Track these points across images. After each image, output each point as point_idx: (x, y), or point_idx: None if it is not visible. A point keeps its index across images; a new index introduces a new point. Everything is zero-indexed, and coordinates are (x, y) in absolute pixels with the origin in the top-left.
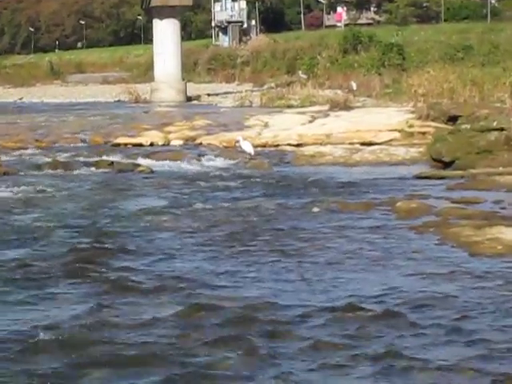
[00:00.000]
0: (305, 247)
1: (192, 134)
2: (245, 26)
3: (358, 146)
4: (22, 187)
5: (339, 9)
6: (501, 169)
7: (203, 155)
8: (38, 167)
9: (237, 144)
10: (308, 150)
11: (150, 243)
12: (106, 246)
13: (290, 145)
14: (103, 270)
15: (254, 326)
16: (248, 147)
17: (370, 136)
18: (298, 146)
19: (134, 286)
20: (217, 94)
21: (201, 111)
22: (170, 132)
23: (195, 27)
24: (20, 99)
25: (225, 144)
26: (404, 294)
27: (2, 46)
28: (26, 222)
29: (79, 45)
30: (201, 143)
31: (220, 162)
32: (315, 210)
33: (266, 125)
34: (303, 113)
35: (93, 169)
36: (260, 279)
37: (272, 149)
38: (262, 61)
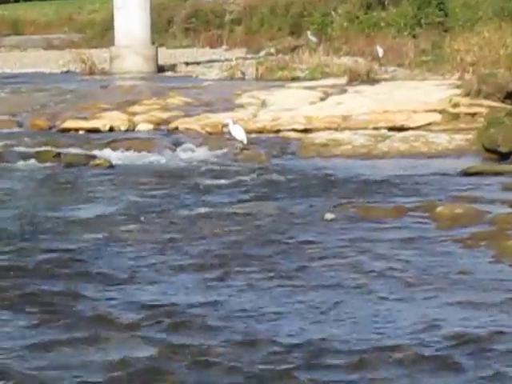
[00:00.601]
0: (315, 267)
1: (165, 115)
2: None
3: (385, 131)
4: None
5: None
6: None
7: (180, 144)
8: None
9: (225, 129)
10: (319, 138)
11: (108, 263)
12: (48, 266)
13: (294, 130)
14: (45, 298)
15: (250, 374)
16: (239, 133)
17: (401, 119)
18: (305, 131)
19: (85, 319)
20: (198, 63)
21: (177, 85)
22: (135, 113)
23: None
24: None
25: (208, 129)
26: (448, 330)
27: None
28: None
29: None
30: (177, 128)
31: (202, 154)
32: (328, 217)
33: (264, 104)
34: (313, 88)
35: (32, 162)
36: (258, 311)
37: (271, 135)
38: (257, 18)
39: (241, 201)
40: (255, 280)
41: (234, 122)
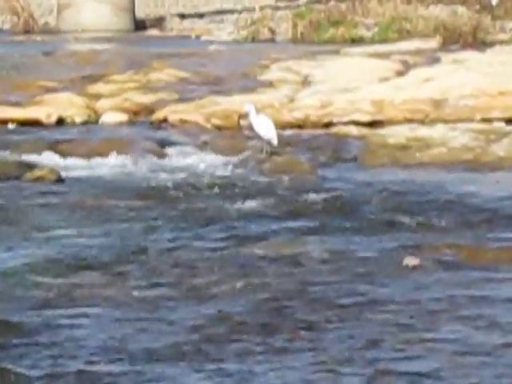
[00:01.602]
0: (391, 340)
1: (147, 100)
2: None
3: (501, 125)
4: None
5: None
6: None
7: (171, 146)
8: None
9: (243, 122)
10: (394, 135)
11: (53, 337)
12: None
13: (355, 123)
14: None
15: None
16: (266, 128)
17: None
18: (372, 125)
19: None
20: (200, 15)
21: (166, 51)
22: (99, 96)
23: None
24: None
25: (217, 122)
26: None
27: None
28: None
29: None
30: (165, 120)
31: (207, 161)
32: (410, 262)
33: (306, 81)
34: (385, 55)
35: None
36: None
37: (318, 131)
38: None
39: (270, 236)
40: (296, 370)
41: (258, 111)
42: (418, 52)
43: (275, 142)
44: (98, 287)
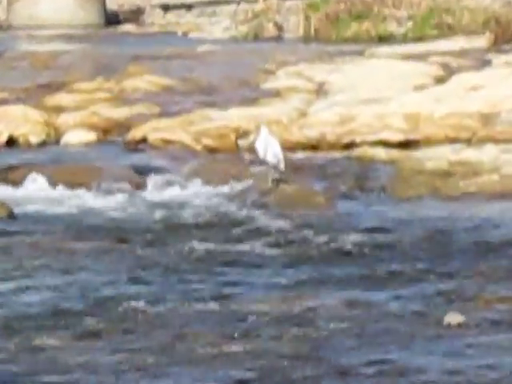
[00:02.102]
0: None
1: (121, 114)
2: None
3: None
4: None
5: None
6: None
7: (151, 174)
8: None
9: (242, 142)
10: (434, 158)
11: None
12: None
13: (384, 143)
14: None
15: None
16: (272, 151)
17: None
18: (405, 145)
19: None
20: (188, 6)
21: (145, 52)
22: (60, 109)
23: None
24: None
25: (209, 143)
26: None
27: None
28: None
29: None
30: (144, 140)
31: (197, 194)
32: (453, 320)
33: (322, 90)
34: (420, 57)
35: None
36: None
37: (336, 154)
38: None
39: (274, 288)
40: None
41: (262, 129)
42: (462, 53)
43: (282, 166)
44: (61, 352)
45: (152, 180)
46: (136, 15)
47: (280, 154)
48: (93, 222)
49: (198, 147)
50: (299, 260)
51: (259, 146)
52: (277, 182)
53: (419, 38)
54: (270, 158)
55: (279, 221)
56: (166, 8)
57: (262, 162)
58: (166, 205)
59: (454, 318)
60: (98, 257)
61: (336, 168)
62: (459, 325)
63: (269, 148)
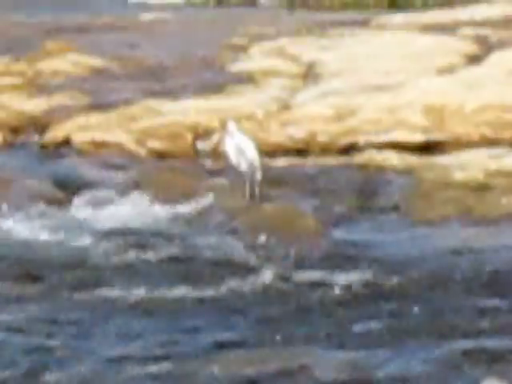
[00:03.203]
0: None
1: (35, 107)
2: None
3: None
4: None
5: None
6: None
7: (74, 189)
8: None
9: (203, 145)
10: (464, 166)
11: None
12: None
13: (396, 146)
14: None
15: None
16: (246, 156)
17: None
18: (424, 150)
19: None
20: None
21: (68, 22)
22: None
23: None
24: None
25: (157, 145)
26: None
27: None
28: None
29: None
30: (67, 142)
31: (138, 214)
32: None
33: (310, 72)
34: (447, 28)
35: None
36: None
37: (332, 160)
38: None
39: (246, 347)
40: None
41: (230, 127)
42: (505, 22)
43: (258, 177)
44: None
45: (78, 197)
46: None
47: (256, 161)
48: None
49: (142, 151)
50: (278, 309)
51: (230, 149)
52: (252, 197)
53: (445, 2)
54: (243, 166)
55: (251, 254)
56: None
57: (229, 172)
58: (93, 231)
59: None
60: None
61: (331, 180)
62: None
63: (237, 151)
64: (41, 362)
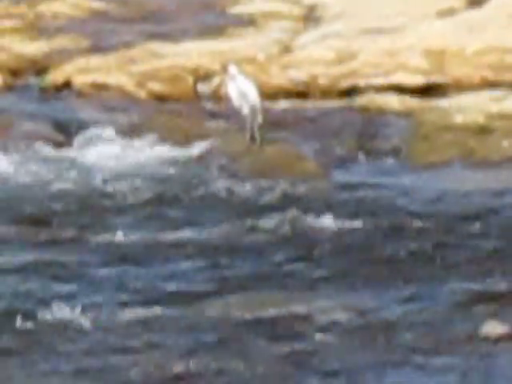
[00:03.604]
0: None
1: (35, 49)
2: None
3: None
4: None
5: None
6: None
7: (75, 130)
8: None
9: (201, 87)
10: (465, 109)
11: None
12: None
13: (397, 88)
14: None
15: None
16: (247, 97)
17: None
18: (426, 92)
19: None
20: None
21: None
22: None
23: None
24: None
25: (157, 88)
26: None
27: None
28: None
29: None
30: (68, 84)
31: (140, 155)
32: (493, 330)
33: (311, 15)
34: None
35: None
36: None
37: (333, 103)
38: None
39: (250, 287)
40: None
41: (231, 70)
42: None
43: (260, 119)
44: None
45: (78, 138)
46: None
47: (257, 103)
48: None
49: (142, 94)
50: (279, 250)
51: (232, 92)
52: (253, 140)
53: None
54: (245, 109)
55: (254, 195)
56: None
57: (231, 115)
58: (97, 172)
59: (493, 327)
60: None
61: (331, 122)
62: (500, 337)
63: (239, 93)
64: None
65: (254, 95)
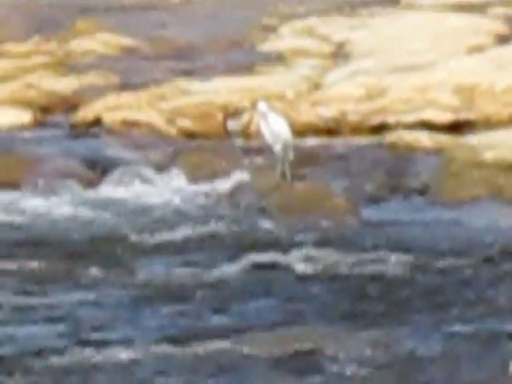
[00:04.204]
0: None
1: (65, 86)
2: None
3: None
4: None
5: None
6: None
7: (105, 167)
8: None
9: (233, 125)
10: (495, 145)
11: None
12: None
13: (426, 125)
14: None
15: None
16: (279, 135)
17: None
18: (455, 129)
19: None
20: None
21: (99, 1)
22: None
23: None
24: None
25: (187, 124)
26: None
27: None
28: None
29: None
30: (97, 122)
31: (170, 193)
32: None
33: (341, 52)
34: (477, 8)
35: None
36: None
37: (363, 140)
38: None
39: (272, 325)
40: None
41: (261, 107)
42: None
43: (291, 156)
44: None
45: (109, 176)
46: None
47: (289, 139)
48: (26, 232)
49: (172, 131)
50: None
51: (265, 130)
52: (283, 177)
53: None
54: (278, 146)
55: (281, 232)
56: None
57: (261, 151)
58: (126, 208)
59: None
60: (31, 282)
61: (361, 159)
62: None
63: (271, 131)
64: None
65: (286, 132)
